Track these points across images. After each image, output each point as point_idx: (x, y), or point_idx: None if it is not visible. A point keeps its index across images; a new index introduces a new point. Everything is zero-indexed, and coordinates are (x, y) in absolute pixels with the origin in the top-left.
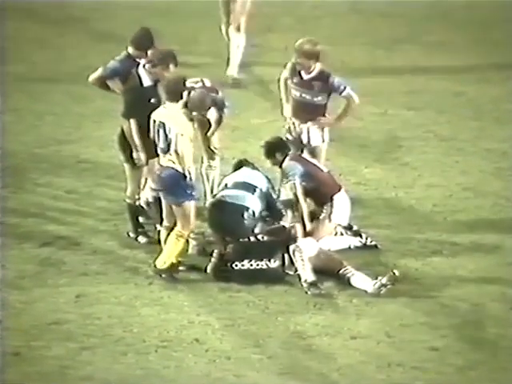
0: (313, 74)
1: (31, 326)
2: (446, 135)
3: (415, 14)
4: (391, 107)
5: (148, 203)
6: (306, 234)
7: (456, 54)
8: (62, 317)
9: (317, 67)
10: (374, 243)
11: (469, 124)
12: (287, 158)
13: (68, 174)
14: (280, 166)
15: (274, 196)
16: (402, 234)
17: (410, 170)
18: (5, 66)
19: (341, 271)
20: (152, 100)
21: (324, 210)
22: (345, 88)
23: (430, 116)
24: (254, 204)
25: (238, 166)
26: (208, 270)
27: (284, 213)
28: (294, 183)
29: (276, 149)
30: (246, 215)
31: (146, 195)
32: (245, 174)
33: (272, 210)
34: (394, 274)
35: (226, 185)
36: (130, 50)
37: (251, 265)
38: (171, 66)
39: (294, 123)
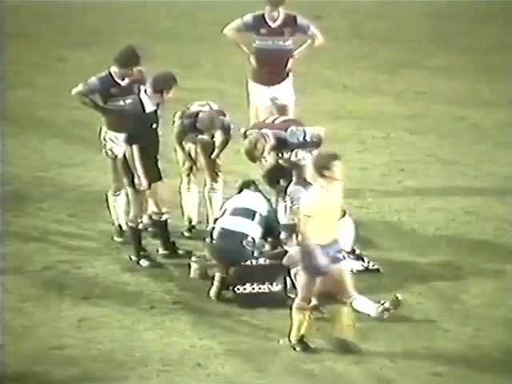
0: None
1: (33, 351)
2: (448, 159)
3: (417, 39)
4: (393, 131)
5: (147, 226)
6: None
7: (458, 78)
8: (64, 341)
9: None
10: (376, 267)
11: (471, 148)
12: (292, 182)
13: (70, 198)
14: (285, 193)
15: (275, 219)
16: (404, 258)
17: (413, 194)
18: (8, 91)
19: None
20: (153, 125)
21: None
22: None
23: (433, 140)
24: (253, 231)
25: (241, 188)
26: (210, 294)
27: (285, 236)
28: (299, 207)
29: (280, 176)
30: (244, 243)
31: (146, 218)
32: (245, 199)
33: (273, 233)
34: (396, 298)
35: (225, 210)
36: (113, 68)
37: (253, 288)
38: (173, 88)
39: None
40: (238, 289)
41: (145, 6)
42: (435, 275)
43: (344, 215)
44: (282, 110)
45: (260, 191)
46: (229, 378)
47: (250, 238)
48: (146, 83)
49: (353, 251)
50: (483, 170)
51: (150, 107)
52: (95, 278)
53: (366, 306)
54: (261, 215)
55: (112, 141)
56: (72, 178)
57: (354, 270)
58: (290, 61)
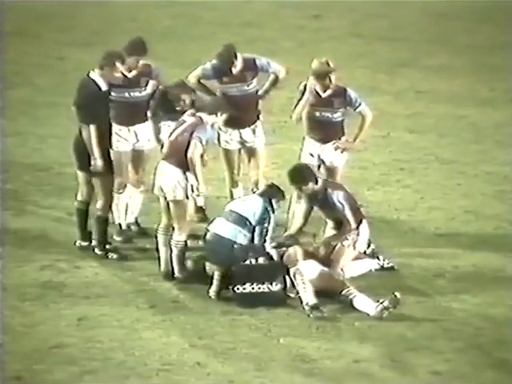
0: (330, 92)
1: (32, 350)
2: (447, 158)
3: (416, 38)
4: (393, 130)
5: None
6: (325, 259)
7: (457, 77)
8: (64, 340)
9: (332, 84)
10: (391, 265)
11: (470, 147)
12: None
13: (70, 197)
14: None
15: (264, 231)
16: (403, 257)
17: (412, 193)
18: (8, 90)
19: (343, 292)
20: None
21: (349, 238)
22: (360, 104)
23: (432, 139)
24: (242, 238)
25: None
26: (210, 293)
27: (266, 249)
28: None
29: (308, 176)
30: (234, 247)
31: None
32: (243, 203)
33: (254, 244)
34: (395, 296)
35: (223, 211)
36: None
37: (253, 288)
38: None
39: (313, 144)
40: (238, 288)
41: (145, 5)
42: (435, 274)
43: (361, 221)
44: (252, 153)
45: (266, 197)
46: (228, 376)
47: (239, 244)
48: (154, 77)
49: (372, 251)
50: (482, 169)
51: (104, 86)
52: (95, 276)
53: (366, 304)
54: (251, 223)
55: (117, 134)
56: (72, 176)
57: (373, 270)
58: (260, 102)
